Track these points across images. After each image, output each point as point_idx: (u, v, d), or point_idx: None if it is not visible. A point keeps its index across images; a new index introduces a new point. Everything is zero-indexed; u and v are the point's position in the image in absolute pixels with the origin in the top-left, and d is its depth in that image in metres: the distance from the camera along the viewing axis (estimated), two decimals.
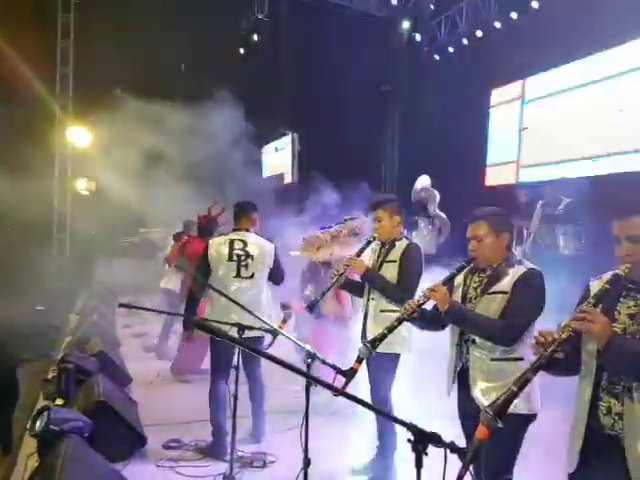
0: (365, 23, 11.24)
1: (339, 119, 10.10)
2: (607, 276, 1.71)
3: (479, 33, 9.06)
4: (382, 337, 2.29)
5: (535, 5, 7.98)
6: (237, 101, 9.04)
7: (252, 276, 3.53)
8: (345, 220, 4.93)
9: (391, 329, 2.29)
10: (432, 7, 9.86)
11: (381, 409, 1.89)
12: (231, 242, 3.54)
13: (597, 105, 7.30)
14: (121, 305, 2.49)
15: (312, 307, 3.01)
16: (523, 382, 1.51)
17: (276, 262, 3.63)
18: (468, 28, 9.27)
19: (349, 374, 2.07)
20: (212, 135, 8.05)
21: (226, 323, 2.76)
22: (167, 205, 7.49)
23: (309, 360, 2.09)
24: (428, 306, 2.34)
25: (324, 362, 2.06)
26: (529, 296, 2.14)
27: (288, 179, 12.38)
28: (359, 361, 2.18)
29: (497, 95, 9.14)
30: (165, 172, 7.40)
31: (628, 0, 6.08)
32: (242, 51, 9.54)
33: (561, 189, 6.49)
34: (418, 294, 2.32)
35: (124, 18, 8.25)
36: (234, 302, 2.89)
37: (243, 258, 3.51)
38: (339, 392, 1.40)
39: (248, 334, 2.77)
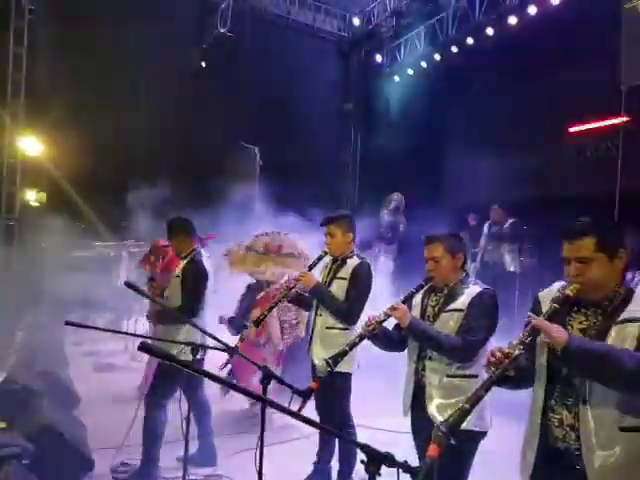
0: (327, 42, 11.44)
1: (301, 135, 10.18)
2: (557, 285, 1.80)
3: (437, 57, 9.37)
4: (343, 354, 2.31)
5: (490, 32, 8.32)
6: (198, 113, 8.99)
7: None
8: (256, 236, 4.98)
9: (353, 345, 2.32)
10: (393, 29, 10.12)
11: (337, 430, 1.89)
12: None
13: None
14: (68, 323, 2.36)
15: (260, 322, 3.01)
16: (475, 399, 1.54)
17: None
18: (427, 51, 9.57)
19: (306, 394, 2.05)
20: None
21: (178, 342, 2.70)
22: (124, 218, 7.30)
23: (265, 380, 2.03)
24: (389, 327, 2.39)
25: (281, 382, 2.00)
26: (483, 315, 2.24)
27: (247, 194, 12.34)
28: (317, 380, 2.17)
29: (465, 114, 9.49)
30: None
31: None
32: (204, 64, 9.48)
33: (507, 210, 6.80)
34: (375, 313, 2.36)
35: (81, 28, 8.08)
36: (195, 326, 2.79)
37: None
38: (295, 415, 1.37)
39: (182, 357, 2.72)
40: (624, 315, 1.59)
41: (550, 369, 1.72)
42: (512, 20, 7.88)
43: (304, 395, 2.04)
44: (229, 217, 7.94)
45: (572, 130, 7.39)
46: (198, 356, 2.69)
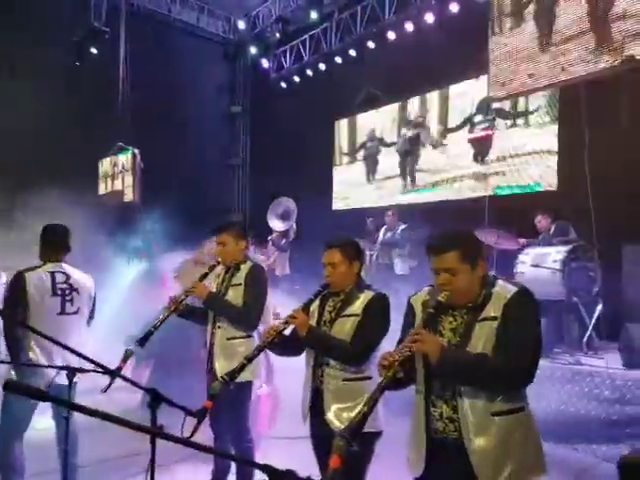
0: (212, 44, 11.22)
1: (186, 137, 9.86)
2: (426, 289, 2.02)
3: (322, 66, 9.64)
4: (242, 367, 2.26)
5: (371, 45, 8.76)
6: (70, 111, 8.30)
7: (77, 311, 3.18)
8: (199, 249, 4.81)
9: (251, 358, 2.29)
10: (278, 36, 10.20)
11: (233, 447, 1.84)
12: (52, 275, 3.13)
13: None
14: None
15: (145, 340, 2.76)
16: (372, 402, 1.64)
17: (94, 298, 3.31)
18: (312, 60, 9.80)
19: (200, 414, 1.97)
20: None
21: (53, 367, 2.46)
22: None
23: (155, 403, 1.81)
24: (286, 332, 2.41)
25: (171, 404, 1.83)
26: (377, 319, 2.36)
27: (129, 197, 11.63)
28: (211, 398, 2.11)
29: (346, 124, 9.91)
30: None
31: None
32: (77, 61, 8.77)
33: (400, 215, 7.21)
34: (274, 322, 2.37)
35: None
36: (58, 343, 2.51)
37: (68, 292, 3.14)
38: (185, 442, 1.24)
39: (58, 381, 2.48)
40: (483, 314, 1.83)
41: (427, 369, 1.90)
42: (390, 35, 8.38)
43: (198, 416, 1.96)
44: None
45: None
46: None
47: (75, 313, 3.17)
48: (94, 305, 3.32)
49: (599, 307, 4.91)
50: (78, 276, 3.23)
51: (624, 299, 5.03)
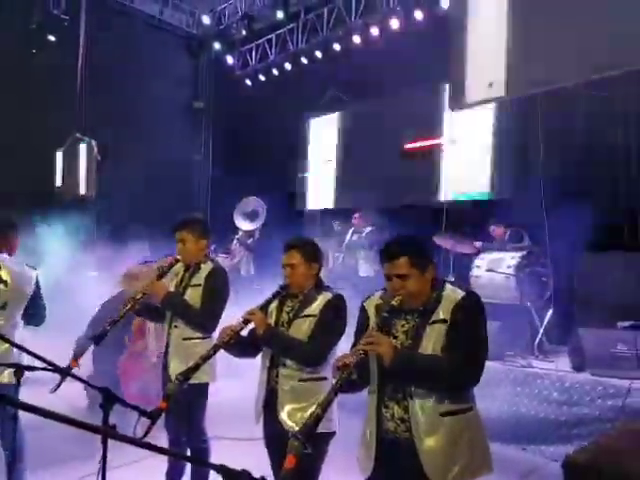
0: (176, 38, 11.00)
1: (146, 131, 9.61)
2: (378, 294, 2.09)
3: (288, 65, 9.61)
4: (196, 367, 2.24)
5: (337, 47, 8.80)
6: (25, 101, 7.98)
7: (4, 307, 2.97)
8: (166, 256, 4.67)
9: (206, 358, 2.26)
10: (244, 33, 10.09)
11: (191, 450, 1.82)
12: None
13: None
14: None
15: (100, 338, 2.67)
16: (326, 404, 1.67)
17: (36, 294, 3.08)
18: (278, 59, 9.76)
19: (155, 415, 1.91)
20: None
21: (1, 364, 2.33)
22: None
23: (108, 403, 1.78)
24: (244, 333, 2.38)
25: (125, 404, 1.82)
26: (333, 320, 2.37)
27: (83, 191, 11.25)
28: (166, 399, 2.06)
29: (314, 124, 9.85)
30: None
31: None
32: (33, 48, 8.41)
33: (368, 218, 7.24)
34: (231, 322, 2.34)
35: None
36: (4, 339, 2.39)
37: None
38: (138, 443, 1.23)
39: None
40: (434, 317, 1.91)
41: (381, 371, 1.94)
42: (356, 39, 8.44)
43: (152, 416, 1.91)
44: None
45: (407, 147, 8.17)
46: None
47: (1, 308, 2.96)
48: (35, 302, 3.10)
49: (550, 312, 5.09)
50: (12, 268, 3.01)
51: (574, 304, 5.24)
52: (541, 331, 5.06)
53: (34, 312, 3.11)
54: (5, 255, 3.06)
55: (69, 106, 8.43)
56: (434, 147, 7.79)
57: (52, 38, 8.32)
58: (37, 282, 3.10)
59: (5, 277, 2.97)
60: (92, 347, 3.15)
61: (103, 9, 9.19)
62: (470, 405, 1.95)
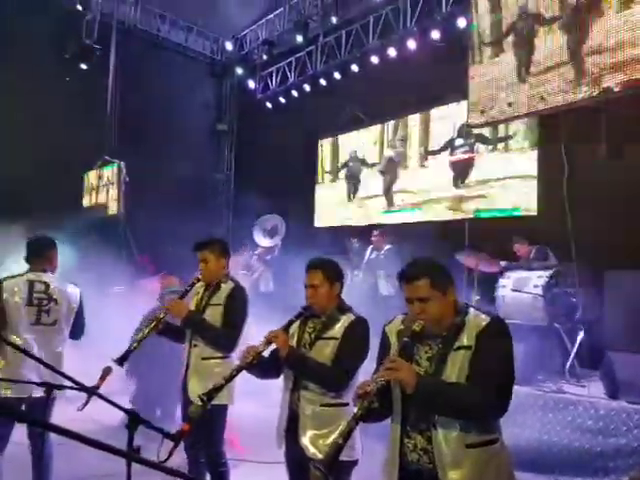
0: (200, 63, 11.30)
1: (172, 153, 9.84)
2: (399, 318, 2.02)
3: (307, 87, 9.74)
4: (219, 388, 2.22)
5: (355, 68, 8.89)
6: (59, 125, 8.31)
7: (55, 323, 3.11)
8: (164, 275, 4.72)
9: (229, 379, 2.25)
10: (265, 57, 10.31)
11: (210, 474, 1.79)
12: (30, 284, 3.08)
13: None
14: None
15: (124, 359, 2.69)
16: (347, 433, 1.64)
17: (80, 310, 3.23)
18: (297, 81, 9.90)
19: (177, 437, 1.88)
20: None
21: (32, 383, 2.37)
22: None
23: (133, 425, 1.74)
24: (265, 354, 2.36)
25: (149, 426, 1.77)
26: (356, 344, 2.33)
27: (113, 210, 11.51)
28: (189, 421, 2.04)
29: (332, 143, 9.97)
30: None
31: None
32: (67, 76, 8.77)
33: (387, 236, 7.17)
34: (253, 343, 2.32)
35: None
36: (32, 356, 2.43)
37: (45, 302, 3.08)
38: (159, 467, 1.22)
39: (35, 394, 2.48)
40: (457, 343, 1.83)
41: (404, 398, 1.87)
42: (374, 59, 8.52)
43: (174, 439, 1.88)
44: None
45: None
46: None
47: (52, 325, 3.10)
48: (79, 317, 3.24)
49: (581, 334, 4.89)
50: (59, 287, 3.16)
51: (606, 326, 5.04)
52: (572, 354, 4.83)
53: (77, 327, 3.24)
54: (50, 274, 3.18)
55: (99, 130, 8.74)
56: (462, 161, 7.69)
57: (84, 66, 8.66)
58: (81, 299, 3.25)
59: (55, 296, 3.11)
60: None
61: (132, 38, 9.62)
62: (496, 436, 1.86)
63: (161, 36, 10.41)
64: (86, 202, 10.94)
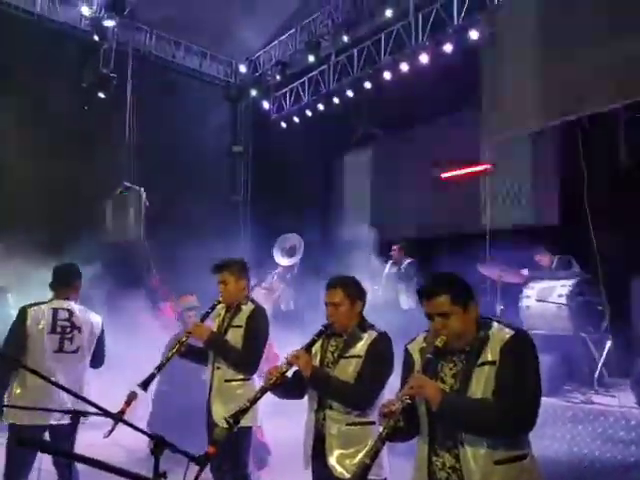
0: (215, 87, 11.52)
1: (189, 175, 10.00)
2: (422, 335, 2.00)
3: (320, 106, 9.85)
4: (245, 410, 2.21)
5: (368, 85, 8.96)
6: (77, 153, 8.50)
7: (77, 350, 3.15)
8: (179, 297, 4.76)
9: (254, 401, 2.25)
10: (278, 78, 10.46)
11: None
12: (54, 311, 3.14)
13: None
14: None
15: (147, 384, 2.72)
16: (374, 452, 1.63)
17: (101, 338, 3.28)
18: (311, 101, 10.02)
19: (202, 461, 1.87)
20: None
21: (59, 411, 2.41)
22: None
23: (158, 450, 1.72)
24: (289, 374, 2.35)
25: (175, 450, 1.74)
26: (380, 362, 2.31)
27: (131, 235, 11.69)
28: (214, 444, 2.04)
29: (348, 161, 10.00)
30: None
31: None
32: (85, 105, 9.03)
33: (406, 250, 7.15)
34: (276, 364, 2.33)
35: None
36: (54, 384, 2.40)
37: (68, 330, 3.12)
38: None
39: (62, 421, 2.48)
40: (481, 359, 1.80)
41: (430, 416, 1.85)
42: (387, 75, 8.58)
43: (200, 462, 1.87)
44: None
45: (444, 176, 8.11)
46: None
47: (74, 352, 3.14)
48: (100, 346, 3.28)
49: (609, 342, 4.80)
50: (83, 315, 3.21)
51: (634, 334, 4.92)
52: (600, 363, 4.75)
53: (97, 356, 3.29)
54: (73, 302, 3.24)
55: (118, 156, 8.93)
56: (476, 174, 7.65)
57: (102, 95, 8.88)
58: (102, 328, 3.29)
59: (78, 323, 3.17)
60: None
61: (148, 66, 9.84)
62: (525, 452, 1.82)
63: (176, 62, 10.65)
64: (108, 228, 11.18)
